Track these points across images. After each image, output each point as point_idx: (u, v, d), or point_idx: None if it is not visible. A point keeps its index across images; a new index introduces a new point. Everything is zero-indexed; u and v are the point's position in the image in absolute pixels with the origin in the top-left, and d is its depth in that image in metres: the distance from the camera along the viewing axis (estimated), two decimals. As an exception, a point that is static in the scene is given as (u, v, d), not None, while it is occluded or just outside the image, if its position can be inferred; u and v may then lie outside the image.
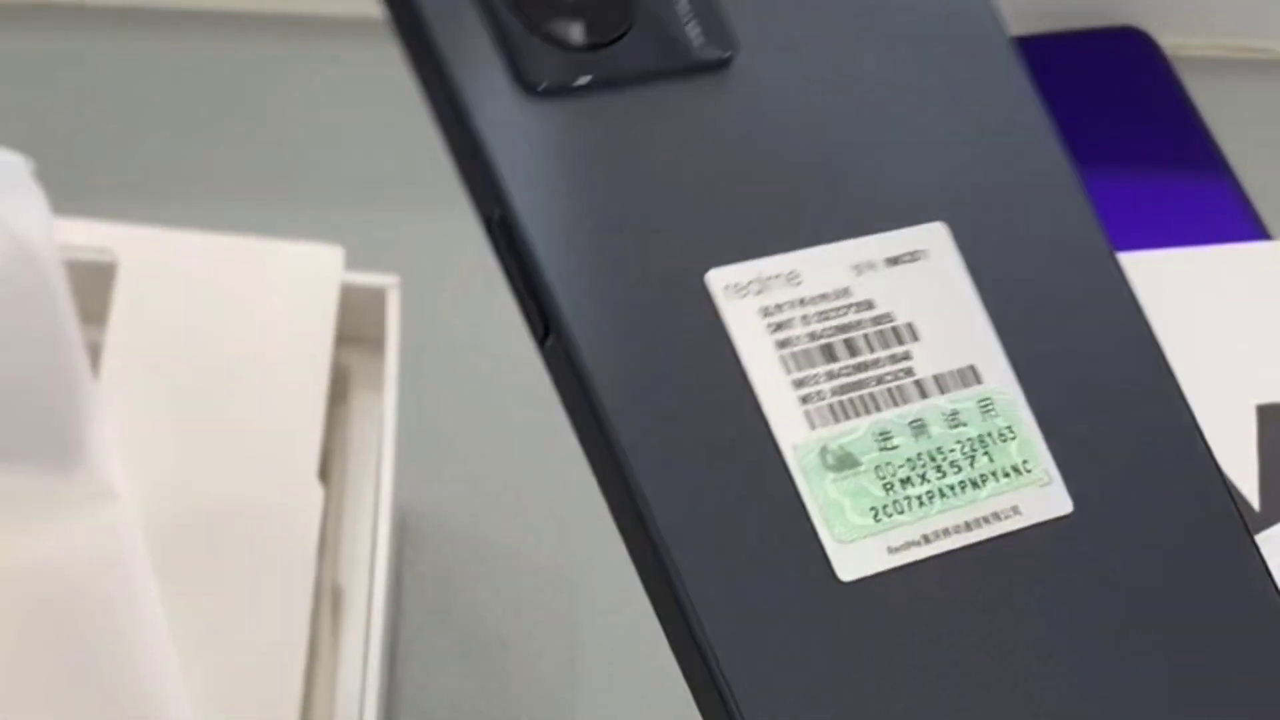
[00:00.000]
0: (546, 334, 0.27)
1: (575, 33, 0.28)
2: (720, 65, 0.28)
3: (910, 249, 0.28)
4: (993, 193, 0.29)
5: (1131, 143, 0.61)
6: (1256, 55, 0.65)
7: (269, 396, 0.48)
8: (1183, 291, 0.46)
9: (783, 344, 0.27)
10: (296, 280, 0.50)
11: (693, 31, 0.28)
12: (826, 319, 0.27)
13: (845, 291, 0.28)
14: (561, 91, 0.27)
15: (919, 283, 0.28)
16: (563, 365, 0.26)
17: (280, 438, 0.48)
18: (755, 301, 0.27)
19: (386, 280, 0.50)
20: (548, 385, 0.27)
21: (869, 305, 0.28)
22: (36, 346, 0.48)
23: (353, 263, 0.50)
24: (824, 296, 0.27)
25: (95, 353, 0.49)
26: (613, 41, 0.28)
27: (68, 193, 0.51)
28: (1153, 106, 0.62)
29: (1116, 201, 0.59)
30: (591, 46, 0.28)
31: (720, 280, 0.27)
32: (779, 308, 0.27)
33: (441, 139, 0.28)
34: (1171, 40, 0.64)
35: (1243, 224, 0.59)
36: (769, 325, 0.27)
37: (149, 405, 0.48)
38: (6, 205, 0.49)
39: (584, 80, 0.28)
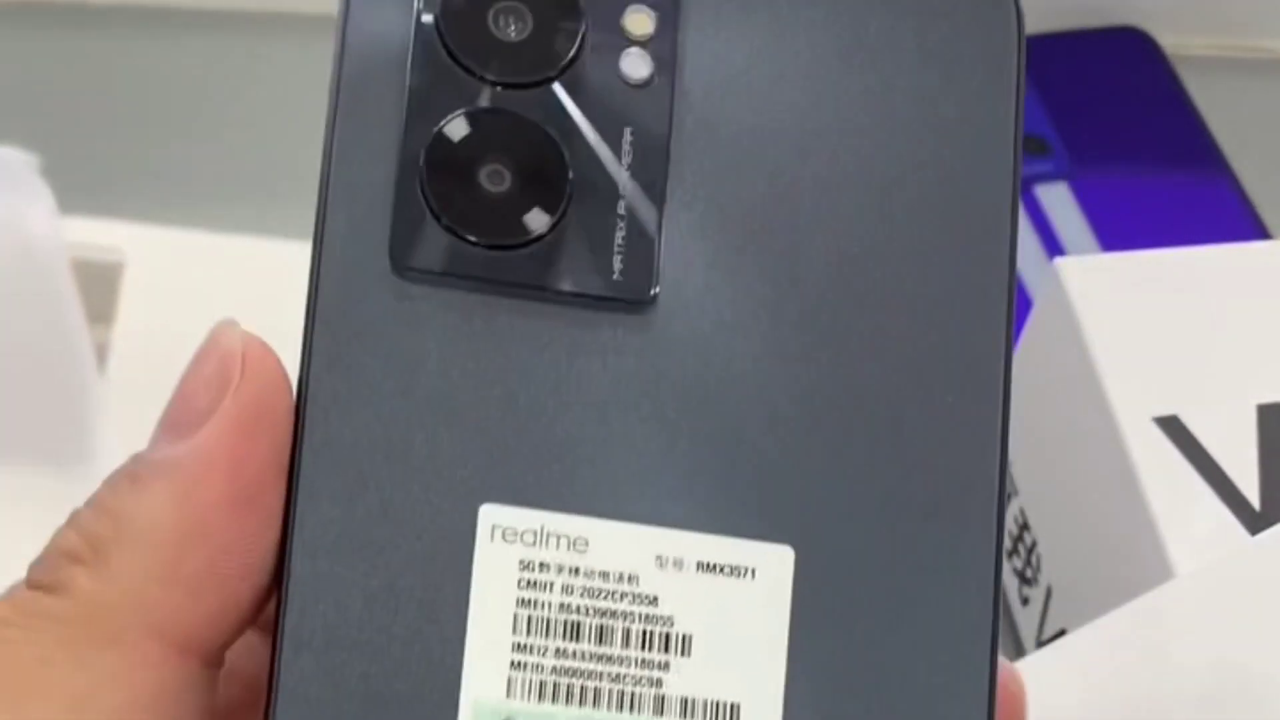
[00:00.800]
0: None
1: (474, 228, 0.24)
2: (630, 306, 0.25)
3: (737, 563, 0.24)
4: (882, 533, 0.24)
5: (1132, 142, 0.61)
6: (1256, 55, 0.65)
7: None
8: (1183, 291, 0.46)
9: (525, 602, 0.24)
10: (305, 282, 0.50)
11: (615, 263, 0.25)
12: (591, 597, 0.24)
13: (631, 578, 0.24)
14: (430, 279, 0.24)
15: (727, 598, 0.24)
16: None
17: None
18: (518, 552, 0.24)
19: None
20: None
21: (651, 601, 0.24)
22: (41, 347, 0.48)
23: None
24: (603, 575, 0.24)
25: (103, 352, 0.49)
26: (512, 246, 0.24)
27: (77, 190, 0.51)
28: (1153, 106, 0.62)
29: (1116, 201, 0.59)
30: (488, 245, 0.24)
31: (491, 517, 0.24)
32: (543, 566, 0.24)
33: None
34: (1171, 40, 0.64)
35: (1242, 223, 0.59)
36: (521, 580, 0.24)
37: (155, 407, 0.48)
38: (11, 203, 0.49)
39: (457, 275, 0.24)
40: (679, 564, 0.24)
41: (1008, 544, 0.50)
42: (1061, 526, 0.47)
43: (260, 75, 0.61)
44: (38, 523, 0.47)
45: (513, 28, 0.25)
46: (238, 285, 0.50)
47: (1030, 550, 0.48)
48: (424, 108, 0.25)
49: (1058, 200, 0.59)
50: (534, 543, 0.24)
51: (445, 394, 0.24)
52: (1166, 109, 0.62)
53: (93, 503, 0.25)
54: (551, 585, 0.24)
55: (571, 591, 0.24)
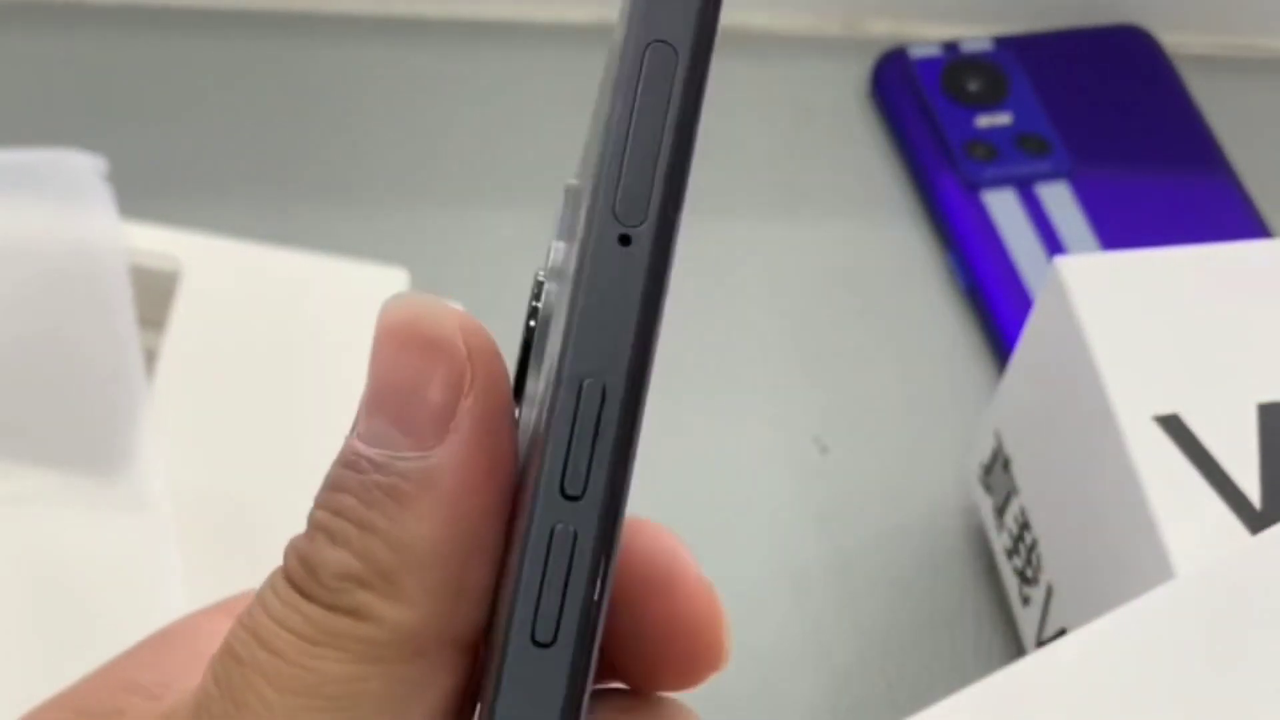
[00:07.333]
0: None
1: None
2: None
3: None
4: None
5: (1132, 141, 0.61)
6: (1257, 53, 0.65)
7: (321, 414, 0.48)
8: (1183, 290, 0.46)
9: None
10: (358, 300, 0.50)
11: None
12: None
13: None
14: None
15: None
16: None
17: (329, 456, 0.48)
18: None
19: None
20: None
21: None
22: (92, 353, 0.48)
23: (413, 270, 0.51)
24: None
25: (151, 359, 0.49)
26: None
27: (139, 197, 0.50)
28: (1154, 104, 0.62)
29: (1117, 200, 0.59)
30: None
31: None
32: None
33: None
34: (1172, 38, 0.64)
35: (1243, 222, 0.59)
36: None
37: (200, 416, 0.48)
38: (74, 206, 0.49)
39: None
40: None
41: (1008, 544, 0.50)
42: (1062, 526, 0.47)
43: (326, 86, 0.61)
44: (80, 524, 0.47)
45: None
46: (292, 301, 0.50)
47: (1030, 550, 0.48)
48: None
49: (1058, 199, 0.59)
50: None
51: None
52: (1167, 108, 0.62)
53: (365, 524, 0.25)
54: None
55: None
